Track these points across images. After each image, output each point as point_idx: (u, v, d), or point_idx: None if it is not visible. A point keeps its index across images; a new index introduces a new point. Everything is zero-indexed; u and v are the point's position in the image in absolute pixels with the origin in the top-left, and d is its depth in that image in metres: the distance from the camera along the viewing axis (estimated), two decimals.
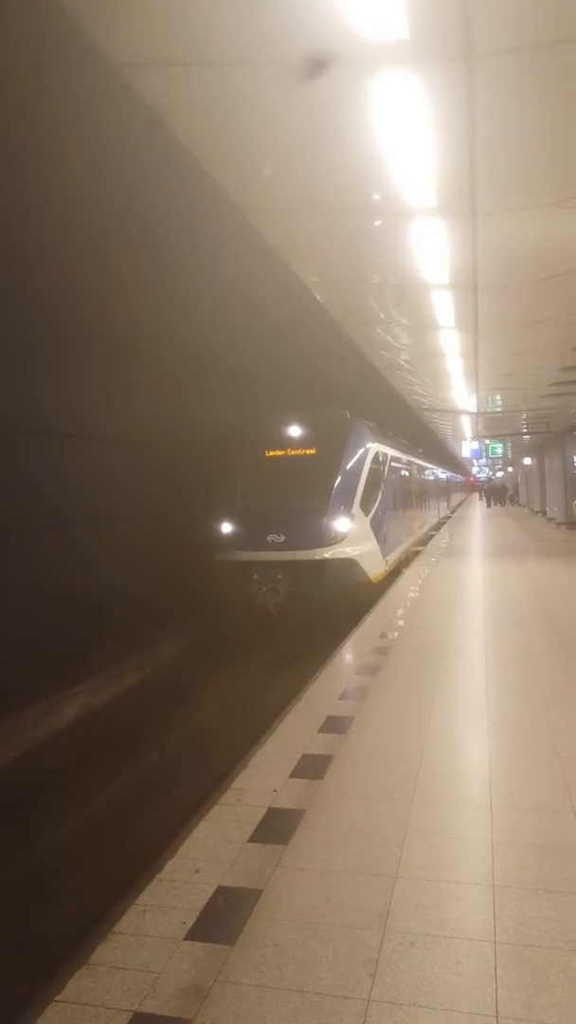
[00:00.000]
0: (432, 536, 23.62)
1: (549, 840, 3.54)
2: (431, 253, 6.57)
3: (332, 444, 11.97)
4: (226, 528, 11.46)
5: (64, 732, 7.95)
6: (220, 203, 5.76)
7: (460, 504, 53.20)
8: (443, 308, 8.67)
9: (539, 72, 3.85)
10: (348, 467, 11.88)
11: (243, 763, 4.67)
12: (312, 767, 4.52)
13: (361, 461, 12.13)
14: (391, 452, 15.09)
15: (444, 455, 42.97)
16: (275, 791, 4.17)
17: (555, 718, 5.27)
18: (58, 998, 2.58)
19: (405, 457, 17.83)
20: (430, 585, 12.65)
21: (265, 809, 3.95)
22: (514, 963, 2.66)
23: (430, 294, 8.13)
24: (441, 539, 23.05)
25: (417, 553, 17.89)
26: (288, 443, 12.11)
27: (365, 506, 11.93)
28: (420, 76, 3.82)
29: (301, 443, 12.08)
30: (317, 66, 3.61)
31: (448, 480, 41.81)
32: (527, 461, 35.85)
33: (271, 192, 5.40)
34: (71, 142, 6.10)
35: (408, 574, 14.16)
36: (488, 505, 47.19)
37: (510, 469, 51.69)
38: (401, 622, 9.28)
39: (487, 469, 57.13)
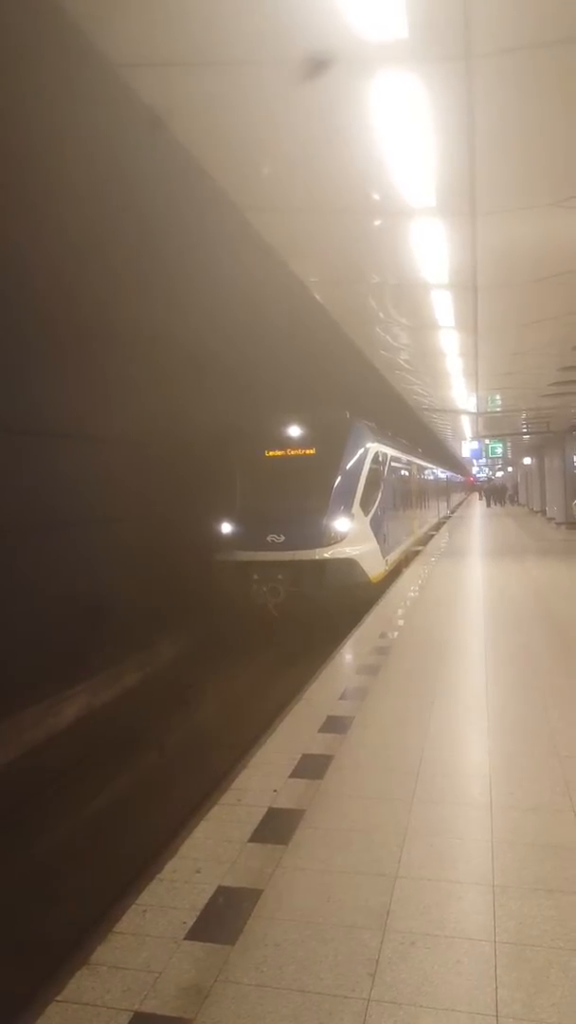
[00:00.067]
0: (432, 536, 23.62)
1: (549, 840, 3.54)
2: (431, 253, 6.57)
3: (332, 444, 11.96)
4: (226, 528, 11.46)
5: (64, 732, 7.95)
6: (219, 203, 5.76)
7: (460, 504, 53.19)
8: (443, 308, 8.67)
9: (538, 71, 3.85)
10: (348, 467, 11.88)
11: (243, 763, 4.67)
12: (312, 767, 4.52)
13: (361, 461, 12.13)
14: (391, 452, 15.08)
15: (444, 455, 42.97)
16: (275, 791, 4.17)
17: (555, 718, 5.27)
18: (59, 998, 2.58)
19: (405, 457, 17.83)
20: (430, 585, 12.65)
21: (265, 809, 3.95)
22: (514, 963, 2.66)
23: (430, 294, 8.13)
24: (441, 539, 23.05)
25: (417, 553, 17.89)
26: (288, 443, 12.11)
27: (365, 506, 11.93)
28: (419, 76, 3.82)
29: (301, 443, 12.07)
30: (316, 66, 3.61)
31: (448, 480, 41.82)
32: (527, 461, 35.86)
33: (270, 192, 5.40)
34: (70, 142, 6.10)
35: (408, 574, 14.16)
36: (488, 505, 47.19)
37: (510, 469, 51.70)
38: (401, 622, 9.28)
39: (487, 469, 57.14)
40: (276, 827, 3.75)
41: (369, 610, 10.12)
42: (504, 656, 7.41)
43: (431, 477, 27.67)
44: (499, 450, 30.78)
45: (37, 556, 8.60)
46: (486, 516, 37.21)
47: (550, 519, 27.20)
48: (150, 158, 5.95)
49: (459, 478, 60.42)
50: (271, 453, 12.12)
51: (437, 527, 27.47)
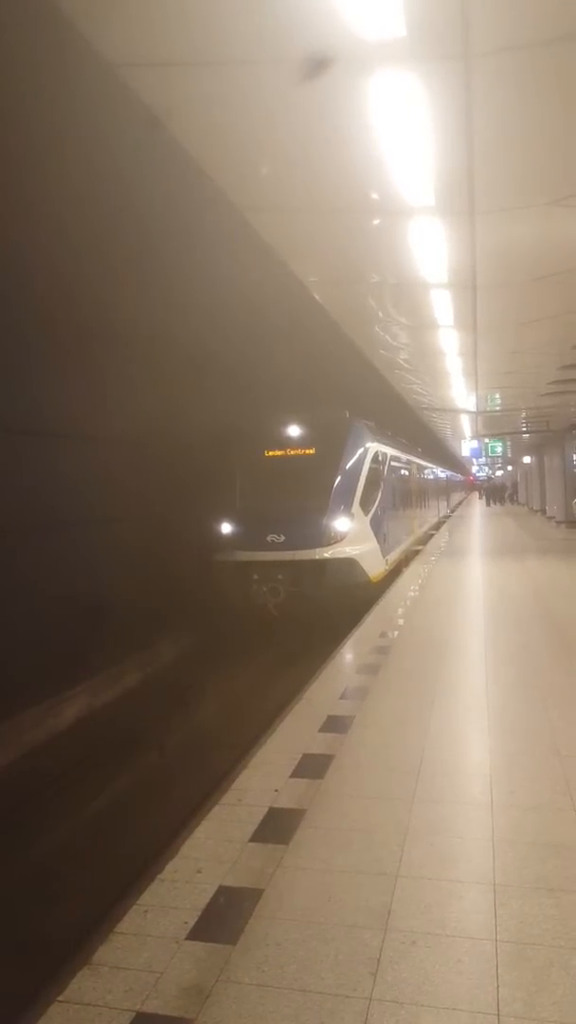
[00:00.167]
0: (432, 535, 23.62)
1: (550, 839, 3.54)
2: (430, 252, 6.57)
3: (331, 444, 11.96)
4: (226, 528, 11.45)
5: (64, 733, 7.95)
6: (218, 203, 5.76)
7: (460, 503, 53.20)
8: (442, 307, 8.67)
9: (537, 70, 3.85)
10: (347, 467, 11.88)
11: (244, 763, 4.67)
12: (313, 767, 4.52)
13: (360, 460, 12.12)
14: (390, 451, 15.08)
15: (444, 454, 42.97)
16: (276, 791, 4.17)
17: (555, 717, 5.27)
18: (60, 998, 2.58)
19: (404, 456, 17.83)
20: (430, 584, 12.65)
21: (266, 809, 3.95)
22: (515, 962, 2.66)
23: (429, 293, 8.13)
24: (441, 538, 23.05)
25: (417, 552, 17.89)
26: (287, 443, 12.11)
27: (365, 505, 11.93)
28: (418, 75, 3.82)
29: (300, 443, 12.07)
30: (315, 65, 3.61)
31: (448, 479, 41.82)
32: (527, 460, 35.86)
33: (269, 192, 5.40)
34: (68, 143, 6.10)
35: (408, 573, 14.16)
36: (488, 504, 47.19)
37: (510, 468, 51.69)
38: (401, 621, 9.28)
39: (487, 468, 57.13)
40: (277, 827, 3.75)
41: (369, 610, 10.12)
42: (504, 655, 7.41)
43: (431, 476, 27.67)
44: (499, 449, 30.79)
45: (37, 556, 8.59)
46: (486, 515, 37.22)
47: (550, 518, 27.21)
48: (149, 158, 5.96)
49: (459, 477, 60.44)
50: (271, 453, 12.12)
51: (437, 526, 27.47)
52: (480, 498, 56.48)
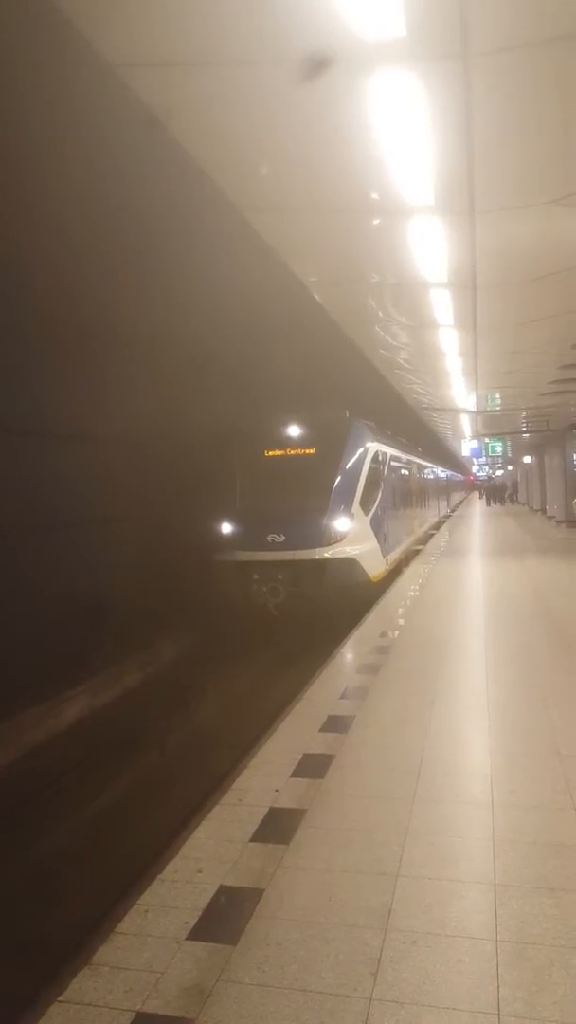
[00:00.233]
0: (432, 535, 23.62)
1: (551, 838, 3.54)
2: (429, 252, 6.57)
3: (331, 443, 11.96)
4: (226, 528, 11.45)
5: (65, 733, 7.95)
6: (218, 203, 5.76)
7: (460, 503, 53.21)
8: (442, 307, 8.67)
9: (536, 70, 3.85)
10: (348, 466, 11.88)
11: (244, 763, 4.67)
12: (313, 766, 4.52)
13: (360, 460, 12.12)
14: (391, 451, 15.08)
15: (444, 454, 42.98)
16: (276, 791, 4.17)
17: (556, 716, 5.27)
18: (60, 998, 2.58)
19: (405, 456, 17.83)
20: (430, 584, 12.65)
21: (266, 809, 3.95)
22: (516, 961, 2.66)
23: (429, 293, 8.13)
24: (441, 538, 23.05)
25: (417, 552, 17.89)
26: (287, 443, 12.11)
27: (365, 505, 11.93)
28: (417, 74, 3.82)
29: (300, 443, 12.07)
30: (315, 65, 3.61)
31: (448, 479, 41.83)
32: (527, 459, 35.86)
33: (269, 192, 5.40)
34: (68, 143, 6.10)
35: (408, 573, 14.16)
36: (488, 504, 47.20)
37: (510, 468, 51.70)
38: (401, 621, 9.28)
39: (487, 468, 57.14)
40: (277, 827, 3.75)
41: (369, 610, 10.12)
42: (504, 655, 7.41)
43: (431, 476, 27.68)
44: (499, 449, 30.78)
45: (37, 556, 8.60)
46: (486, 515, 37.22)
47: (550, 517, 27.20)
48: (149, 158, 5.96)
49: (459, 477, 60.46)
50: (271, 453, 12.12)
51: (437, 526, 27.47)
52: (480, 498, 56.49)
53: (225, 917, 3.01)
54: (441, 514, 32.50)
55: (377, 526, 12.44)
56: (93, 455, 9.94)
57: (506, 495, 48.70)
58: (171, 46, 3.61)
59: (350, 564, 11.08)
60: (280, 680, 8.85)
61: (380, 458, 13.49)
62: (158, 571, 10.53)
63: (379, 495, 12.92)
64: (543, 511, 29.91)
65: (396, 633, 8.52)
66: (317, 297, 8.59)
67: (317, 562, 10.85)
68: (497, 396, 17.63)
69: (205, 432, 12.55)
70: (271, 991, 2.56)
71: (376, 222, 6.03)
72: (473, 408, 19.94)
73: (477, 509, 44.30)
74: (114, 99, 4.42)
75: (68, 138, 6.02)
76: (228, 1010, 2.48)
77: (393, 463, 15.38)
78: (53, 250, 7.60)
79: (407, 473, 18.49)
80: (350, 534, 11.27)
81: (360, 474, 11.98)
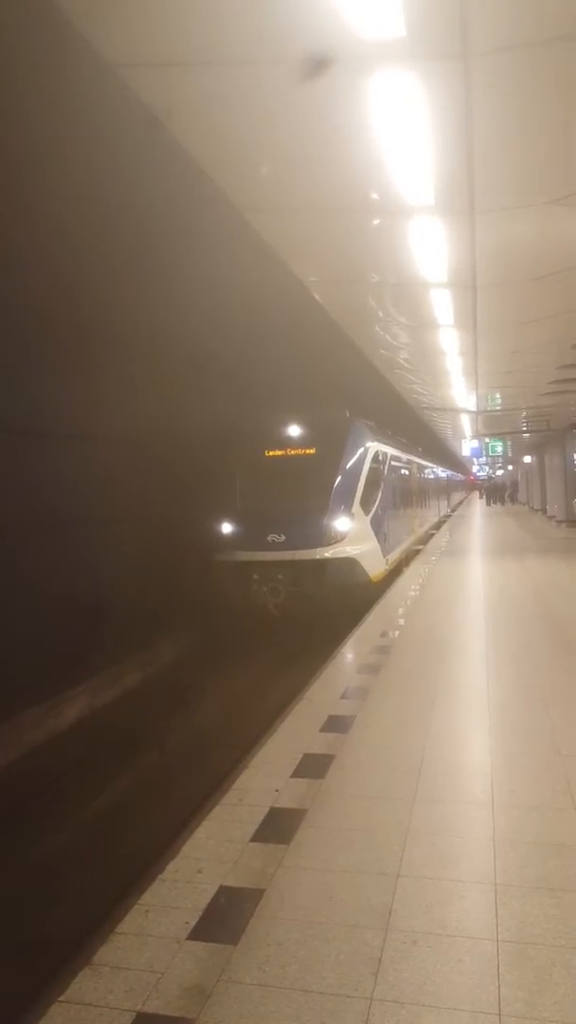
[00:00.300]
0: (432, 535, 23.62)
1: (551, 838, 3.54)
2: (429, 252, 6.57)
3: (332, 443, 11.96)
4: (226, 528, 11.45)
5: (65, 733, 7.95)
6: (218, 203, 5.77)
7: (460, 503, 53.20)
8: (442, 306, 8.67)
9: (536, 69, 3.85)
10: (348, 466, 11.88)
11: (245, 763, 4.67)
12: (314, 766, 4.51)
13: (361, 460, 12.12)
14: (391, 451, 15.08)
15: (444, 453, 42.98)
16: (277, 791, 4.17)
17: (556, 716, 5.27)
18: (61, 998, 2.58)
19: (405, 456, 17.82)
20: (431, 584, 12.65)
21: (267, 809, 3.95)
22: (516, 961, 2.66)
23: (429, 293, 8.13)
24: (441, 538, 23.05)
25: (418, 552, 17.89)
26: (288, 443, 12.10)
27: (365, 505, 11.93)
28: (417, 74, 3.82)
29: (301, 443, 12.07)
30: (315, 65, 3.61)
31: (448, 479, 41.83)
32: (527, 459, 35.86)
33: (269, 192, 5.40)
34: (68, 143, 6.10)
35: (408, 573, 14.16)
36: (488, 503, 47.20)
37: (510, 467, 51.70)
38: (402, 621, 9.28)
39: (487, 467, 57.14)
40: (278, 827, 3.74)
41: (370, 609, 10.12)
42: (505, 655, 7.41)
43: (431, 476, 27.68)
44: (499, 448, 30.78)
45: (37, 556, 8.60)
46: (486, 515, 37.21)
47: (550, 517, 27.20)
48: (149, 158, 5.96)
49: (459, 477, 60.46)
50: (271, 453, 12.12)
51: (438, 526, 27.47)
52: (480, 497, 56.48)
53: (226, 917, 3.01)
54: (441, 514, 32.50)
55: (377, 526, 12.44)
56: (93, 455, 9.94)
57: (506, 495, 48.71)
58: (171, 46, 3.61)
59: (350, 564, 11.08)
60: (280, 680, 8.85)
61: (380, 458, 13.49)
62: (158, 571, 10.53)
63: (379, 495, 12.92)
64: (543, 511, 29.91)
65: (396, 633, 8.52)
66: (317, 297, 8.59)
67: (317, 562, 10.85)
68: (497, 396, 17.63)
69: (205, 432, 12.55)
70: (272, 991, 2.56)
71: (376, 222, 6.03)
72: (473, 408, 19.94)
73: (477, 509, 44.30)
74: (114, 99, 4.42)
75: (68, 138, 6.02)
76: (229, 1010, 2.48)
77: (393, 463, 15.38)
78: (53, 250, 7.60)
79: (407, 473, 18.49)
80: (350, 534, 11.27)
81: (360, 474, 11.98)
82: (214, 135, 4.56)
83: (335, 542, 11.08)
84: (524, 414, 21.57)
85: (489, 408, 19.64)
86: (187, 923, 2.97)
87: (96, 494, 9.88)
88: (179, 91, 4.04)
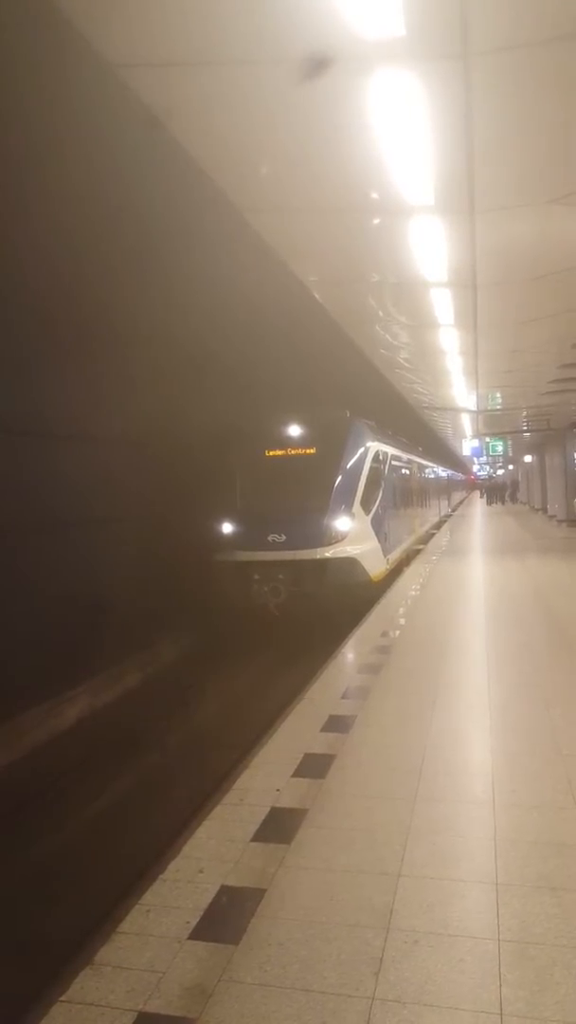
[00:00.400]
0: (433, 534, 23.62)
1: (552, 838, 3.54)
2: (430, 251, 6.57)
3: (332, 443, 11.96)
4: (227, 528, 11.45)
5: (66, 733, 7.95)
6: (218, 203, 5.76)
7: (461, 502, 53.20)
8: (442, 306, 8.67)
9: (536, 69, 3.85)
10: (348, 466, 11.87)
11: (245, 763, 4.67)
12: (315, 766, 4.52)
13: (361, 460, 12.12)
14: (391, 451, 15.08)
15: (444, 453, 42.98)
16: (278, 790, 4.17)
17: (557, 716, 5.27)
18: (62, 998, 2.58)
19: (405, 455, 17.82)
20: (431, 584, 12.65)
21: (268, 808, 3.95)
22: (518, 961, 2.66)
23: (429, 292, 8.13)
24: (442, 537, 23.05)
25: (418, 551, 17.89)
26: (288, 443, 12.10)
27: (366, 505, 11.93)
28: (417, 74, 3.82)
29: (301, 443, 12.07)
30: (315, 65, 3.61)
31: (449, 478, 41.82)
32: (527, 458, 35.85)
33: (269, 192, 5.40)
34: (68, 143, 6.10)
35: (409, 573, 14.16)
36: (488, 503, 47.20)
37: (511, 467, 51.69)
38: (402, 621, 9.28)
39: (488, 467, 57.13)
40: (279, 826, 3.75)
41: (370, 609, 10.12)
42: (505, 654, 7.41)
43: (432, 475, 27.68)
44: (500, 448, 30.78)
45: (37, 556, 8.60)
46: (487, 514, 37.21)
47: (551, 517, 27.19)
48: (149, 158, 5.96)
49: (460, 476, 60.45)
50: (271, 453, 12.12)
51: (438, 525, 27.47)
52: (481, 497, 56.48)
53: (227, 917, 3.01)
54: (442, 513, 32.50)
55: (378, 525, 12.44)
56: (93, 455, 9.94)
57: (507, 494, 48.70)
58: (171, 46, 3.61)
59: (351, 564, 11.08)
60: (281, 680, 8.85)
61: (381, 457, 13.49)
62: (158, 571, 10.53)
63: (380, 494, 12.92)
64: (544, 510, 29.90)
65: (397, 632, 8.52)
66: (317, 297, 8.59)
67: (318, 562, 10.85)
68: (498, 395, 17.63)
69: (205, 432, 12.55)
70: (273, 991, 2.56)
71: (376, 222, 6.03)
72: (474, 407, 19.94)
73: (478, 508, 44.30)
74: (114, 99, 4.42)
75: (68, 138, 6.02)
76: (230, 1010, 2.48)
77: (394, 462, 15.38)
78: (53, 250, 7.60)
79: (408, 472, 18.49)
80: (351, 534, 11.27)
81: (361, 474, 11.97)
82: (214, 135, 4.56)
83: (336, 542, 11.08)
84: (524, 413, 21.57)
85: (489, 407, 19.64)
86: (188, 923, 2.97)
87: (96, 494, 9.88)
88: (179, 91, 4.04)
